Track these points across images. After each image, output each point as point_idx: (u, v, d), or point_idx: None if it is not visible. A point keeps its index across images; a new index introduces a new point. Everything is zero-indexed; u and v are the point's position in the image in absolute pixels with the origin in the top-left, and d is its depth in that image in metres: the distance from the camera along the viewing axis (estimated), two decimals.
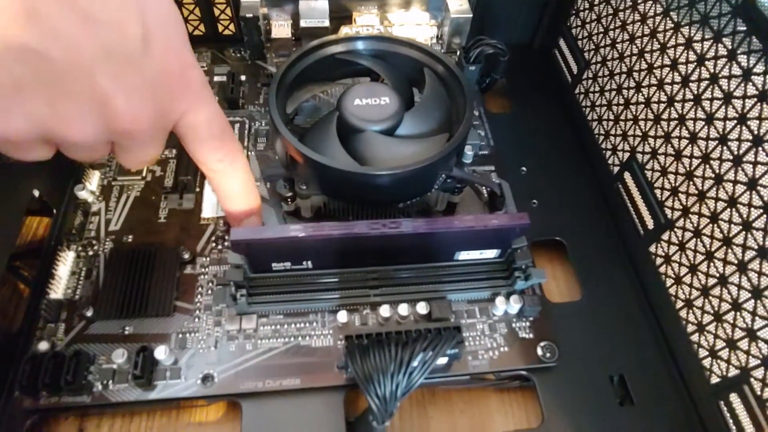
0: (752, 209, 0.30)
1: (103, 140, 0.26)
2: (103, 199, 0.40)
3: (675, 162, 0.36)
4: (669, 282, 0.37)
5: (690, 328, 0.35)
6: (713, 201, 0.33)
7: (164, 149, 0.43)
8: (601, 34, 0.44)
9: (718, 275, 0.33)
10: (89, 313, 0.35)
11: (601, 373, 0.36)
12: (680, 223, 0.36)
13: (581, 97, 0.48)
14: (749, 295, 0.30)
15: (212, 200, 0.40)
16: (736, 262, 0.31)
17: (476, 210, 0.42)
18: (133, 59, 0.24)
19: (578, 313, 0.38)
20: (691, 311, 0.35)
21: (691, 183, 0.35)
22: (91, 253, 0.38)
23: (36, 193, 0.38)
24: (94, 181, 0.41)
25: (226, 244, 0.39)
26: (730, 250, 0.32)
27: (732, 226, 0.32)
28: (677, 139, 0.36)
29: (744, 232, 0.31)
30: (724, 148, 0.32)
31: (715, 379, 0.33)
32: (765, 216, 0.29)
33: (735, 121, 0.32)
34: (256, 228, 0.34)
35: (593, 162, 0.46)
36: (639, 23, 0.40)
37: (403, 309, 0.36)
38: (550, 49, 0.53)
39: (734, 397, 0.31)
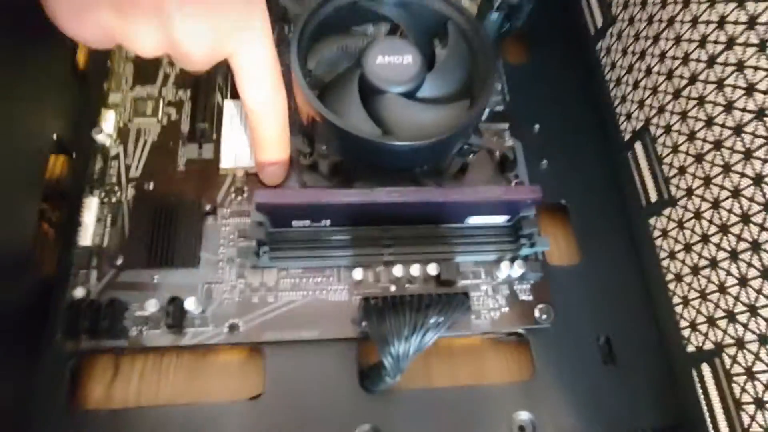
0: (753, 204, 0.32)
1: (162, 52, 0.30)
2: (121, 142, 0.41)
3: (687, 142, 0.37)
4: (663, 254, 0.40)
5: (676, 299, 0.38)
6: (718, 188, 0.35)
7: (178, 90, 0.43)
8: None
9: (709, 258, 0.35)
10: (119, 262, 0.37)
11: (590, 334, 0.39)
12: (683, 202, 0.38)
13: (602, 53, 0.47)
14: (735, 282, 0.33)
15: (231, 150, 0.40)
16: (729, 249, 0.34)
17: (487, 171, 0.43)
18: None
19: (575, 276, 0.41)
20: (679, 285, 0.38)
21: (699, 166, 0.36)
22: (114, 200, 0.39)
23: (54, 136, 0.38)
24: (110, 122, 0.41)
25: (245, 195, 0.40)
26: (725, 238, 0.34)
27: (731, 215, 0.34)
28: (693, 120, 0.37)
29: (741, 224, 0.33)
30: (737, 139, 0.33)
31: (691, 349, 0.37)
32: (764, 213, 0.31)
33: (753, 115, 0.32)
34: (279, 191, 0.35)
35: (606, 125, 0.46)
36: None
37: (415, 270, 0.38)
38: None
39: (705, 368, 0.35)
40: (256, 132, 0.37)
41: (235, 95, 0.42)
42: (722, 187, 0.34)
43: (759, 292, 0.31)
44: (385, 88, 0.36)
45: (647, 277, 0.41)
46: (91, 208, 0.38)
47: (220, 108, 0.42)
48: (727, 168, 0.34)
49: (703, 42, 0.36)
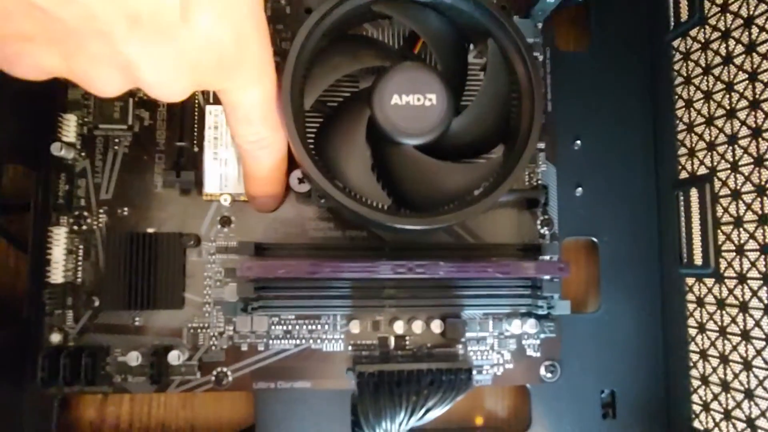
0: None
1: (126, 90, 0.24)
2: (87, 155, 0.34)
3: (756, 224, 0.31)
4: (692, 322, 0.36)
5: (694, 373, 0.36)
6: None
7: None
8: None
9: (743, 358, 0.32)
10: (96, 304, 0.34)
11: (594, 387, 0.38)
12: (730, 283, 0.33)
13: (677, 57, 0.37)
14: (766, 395, 0.30)
15: (215, 172, 0.34)
16: (764, 363, 0.30)
17: (512, 204, 0.37)
18: (166, 29, 0.21)
19: (590, 326, 0.38)
20: (702, 362, 0.35)
21: (764, 258, 0.31)
22: (84, 227, 0.34)
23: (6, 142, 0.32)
24: (71, 129, 0.34)
25: (232, 226, 0.35)
26: None
27: None
28: None
29: None
30: None
31: (698, 426, 0.35)
32: None
33: None
34: (265, 263, 0.30)
35: (660, 151, 0.38)
36: None
37: (417, 326, 0.35)
38: None
39: None
40: (246, 168, 0.31)
41: (218, 99, 0.35)
42: None
43: None
44: (400, 140, 0.29)
45: (668, 341, 0.38)
46: (59, 241, 0.33)
47: (202, 109, 0.35)
48: None
49: None
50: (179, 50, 0.22)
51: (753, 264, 0.31)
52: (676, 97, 0.37)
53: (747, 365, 0.32)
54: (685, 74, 0.36)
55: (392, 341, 0.36)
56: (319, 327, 0.35)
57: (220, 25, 0.22)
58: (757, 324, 0.31)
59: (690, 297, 0.36)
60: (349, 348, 0.35)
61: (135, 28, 0.20)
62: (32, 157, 0.34)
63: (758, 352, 0.31)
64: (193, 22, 0.21)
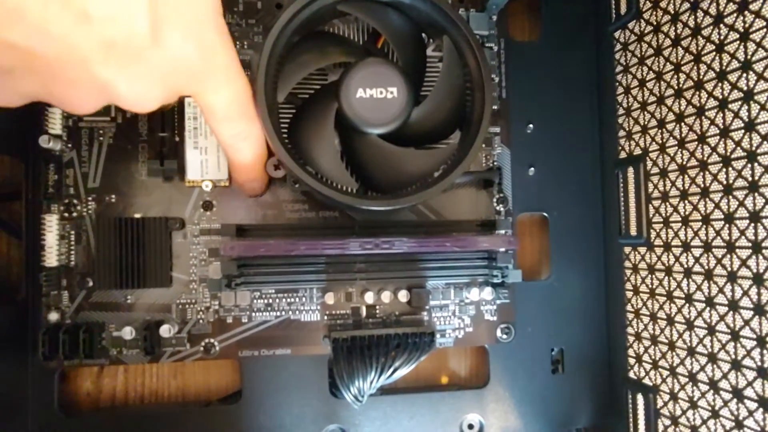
0: (735, 286, 0.32)
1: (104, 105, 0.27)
2: (73, 146, 0.37)
3: (680, 200, 0.35)
4: (629, 286, 0.41)
5: (630, 330, 0.40)
6: (694, 259, 0.34)
7: None
8: None
9: (667, 315, 0.37)
10: (89, 284, 0.37)
11: (545, 346, 0.42)
12: (659, 251, 0.37)
13: (618, 47, 0.41)
14: (684, 347, 0.35)
15: (196, 160, 0.37)
16: (686, 317, 0.35)
17: (470, 183, 0.41)
18: (138, 52, 0.23)
19: (541, 292, 0.42)
20: (636, 320, 0.40)
21: (684, 229, 0.35)
22: (75, 214, 0.37)
23: None
24: (56, 122, 0.36)
25: (214, 209, 0.38)
26: (687, 306, 0.35)
27: (699, 291, 0.34)
28: (690, 181, 0.34)
29: (705, 304, 0.34)
30: (733, 225, 0.32)
31: (632, 376, 0.40)
32: (730, 287, 0.32)
33: (745, 191, 0.31)
34: (248, 244, 0.34)
35: (604, 134, 0.42)
36: (713, 25, 0.32)
37: (386, 296, 0.39)
38: None
39: (640, 397, 0.39)
40: (230, 159, 0.34)
41: None
42: (697, 260, 0.34)
43: (702, 368, 0.34)
44: (365, 130, 0.32)
45: (609, 303, 0.42)
46: (52, 228, 0.36)
47: (181, 101, 0.37)
48: (707, 247, 0.33)
49: (723, 104, 0.32)
50: (151, 68, 0.24)
51: (676, 234, 0.36)
52: (617, 83, 0.41)
53: (670, 321, 0.36)
54: (624, 63, 0.40)
55: (363, 310, 0.40)
56: (297, 299, 0.39)
57: (187, 41, 0.25)
58: (679, 285, 0.36)
59: (627, 264, 0.41)
60: (325, 317, 0.39)
61: (110, 53, 0.23)
62: (20, 149, 0.36)
63: (679, 310, 0.36)
64: (161, 42, 0.24)
